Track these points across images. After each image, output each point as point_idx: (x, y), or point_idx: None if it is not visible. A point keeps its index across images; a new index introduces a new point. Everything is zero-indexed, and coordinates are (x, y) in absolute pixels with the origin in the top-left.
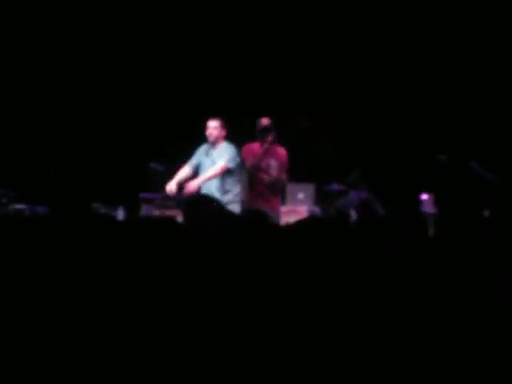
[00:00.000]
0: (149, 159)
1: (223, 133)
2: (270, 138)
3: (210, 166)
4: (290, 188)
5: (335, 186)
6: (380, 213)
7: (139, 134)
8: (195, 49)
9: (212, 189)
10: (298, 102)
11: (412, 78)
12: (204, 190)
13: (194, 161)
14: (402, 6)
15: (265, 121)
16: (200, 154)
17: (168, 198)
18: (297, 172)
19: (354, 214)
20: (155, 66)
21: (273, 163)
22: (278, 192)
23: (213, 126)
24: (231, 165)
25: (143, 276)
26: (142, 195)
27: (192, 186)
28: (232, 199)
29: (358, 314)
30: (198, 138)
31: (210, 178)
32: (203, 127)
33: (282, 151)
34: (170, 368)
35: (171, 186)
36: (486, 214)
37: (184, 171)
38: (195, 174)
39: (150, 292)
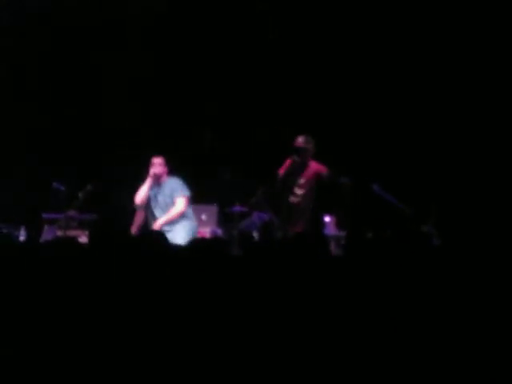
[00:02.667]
0: (51, 179)
1: (166, 169)
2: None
3: (161, 200)
4: (194, 209)
5: (237, 208)
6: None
7: (42, 154)
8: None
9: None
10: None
11: (313, 101)
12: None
13: None
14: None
15: (298, 139)
16: None
17: (70, 218)
18: (199, 193)
19: (256, 236)
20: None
21: (301, 181)
22: (302, 215)
23: (158, 163)
24: (189, 193)
25: (50, 296)
26: (44, 215)
27: (158, 224)
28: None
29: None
30: (103, 160)
31: (174, 217)
32: (105, 148)
33: (313, 168)
34: None
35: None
36: (389, 235)
37: (139, 214)
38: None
39: (54, 312)
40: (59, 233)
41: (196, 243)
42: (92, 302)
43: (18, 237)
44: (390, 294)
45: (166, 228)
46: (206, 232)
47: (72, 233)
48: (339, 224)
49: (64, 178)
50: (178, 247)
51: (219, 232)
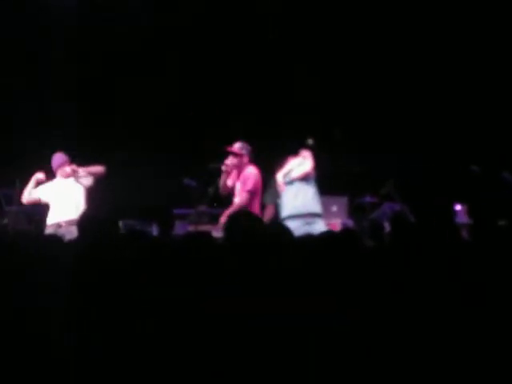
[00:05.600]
0: (182, 175)
1: None
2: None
3: None
4: (324, 201)
5: (368, 199)
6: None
7: (173, 151)
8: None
9: None
10: (326, 115)
11: (444, 91)
12: None
13: None
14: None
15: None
16: None
17: (201, 213)
18: (329, 185)
19: (387, 226)
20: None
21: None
22: None
23: None
24: None
25: (182, 289)
26: (176, 211)
27: None
28: None
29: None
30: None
31: None
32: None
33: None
34: None
35: None
36: None
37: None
38: None
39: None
40: (191, 228)
41: (327, 235)
42: (229, 295)
43: (150, 233)
44: None
45: None
46: (337, 223)
47: (203, 227)
48: (470, 212)
49: (194, 174)
50: (307, 240)
51: (350, 223)
